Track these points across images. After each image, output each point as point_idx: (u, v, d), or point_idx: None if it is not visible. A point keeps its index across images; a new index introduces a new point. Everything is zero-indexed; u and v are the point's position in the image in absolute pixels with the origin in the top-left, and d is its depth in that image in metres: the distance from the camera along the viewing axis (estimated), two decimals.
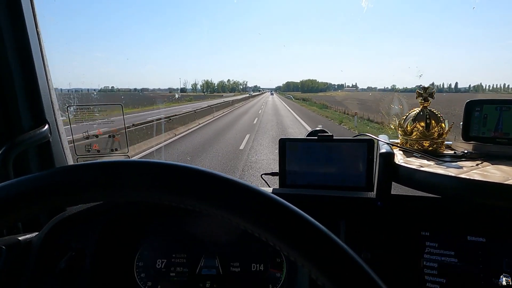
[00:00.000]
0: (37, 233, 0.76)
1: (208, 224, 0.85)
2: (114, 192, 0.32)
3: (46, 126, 0.84)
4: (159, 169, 0.31)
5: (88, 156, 0.97)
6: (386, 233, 0.73)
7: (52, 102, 0.89)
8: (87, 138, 0.95)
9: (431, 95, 0.87)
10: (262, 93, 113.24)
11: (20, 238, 0.72)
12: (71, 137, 0.94)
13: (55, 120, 0.90)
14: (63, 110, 0.94)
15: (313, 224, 0.29)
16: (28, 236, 0.74)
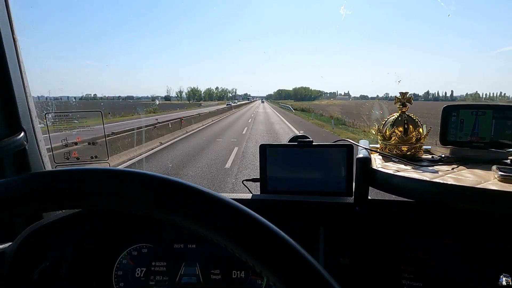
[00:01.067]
0: (10, 243, 0.74)
1: (188, 232, 0.84)
2: (76, 200, 0.31)
3: (22, 134, 0.82)
4: (124, 177, 0.31)
5: (67, 163, 0.95)
6: (364, 238, 0.73)
7: (29, 109, 0.87)
8: (66, 145, 0.93)
9: (409, 100, 0.88)
10: (251, 102, 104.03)
11: None
12: (49, 144, 0.92)
13: (33, 127, 0.88)
14: (41, 118, 0.93)
15: (260, 222, 0.29)
16: (0, 246, 0.72)
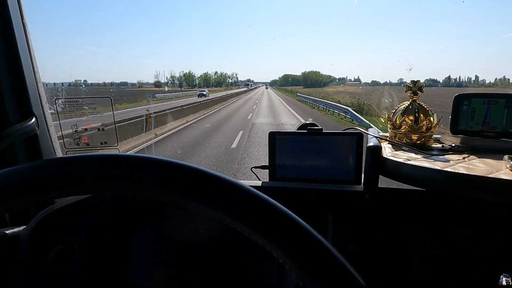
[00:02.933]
0: (24, 226, 0.75)
1: (200, 215, 0.85)
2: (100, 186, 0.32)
3: (33, 119, 0.83)
4: (142, 162, 0.31)
5: (78, 149, 0.96)
6: (373, 226, 0.74)
7: (39, 95, 0.88)
8: (76, 131, 0.94)
9: (420, 88, 0.87)
10: (250, 89, 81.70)
11: (7, 232, 0.72)
12: (60, 130, 0.93)
13: (43, 113, 0.89)
14: (51, 103, 0.93)
15: (290, 216, 0.29)
16: (15, 229, 0.74)
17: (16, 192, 0.30)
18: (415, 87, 0.87)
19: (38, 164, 0.32)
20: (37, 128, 0.84)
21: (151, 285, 0.83)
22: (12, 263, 0.70)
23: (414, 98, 0.87)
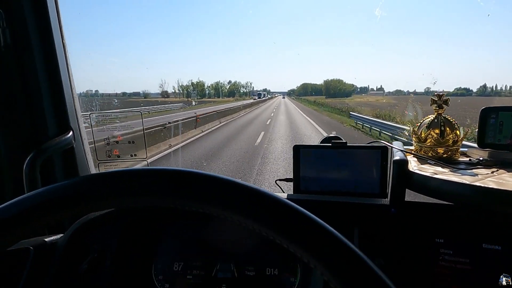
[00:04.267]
0: (61, 235, 0.79)
1: (223, 230, 0.87)
2: (141, 199, 0.34)
3: (71, 133, 0.88)
4: (179, 176, 0.33)
5: (109, 161, 1.01)
6: (400, 240, 0.73)
7: (75, 110, 0.93)
8: (108, 144, 0.99)
9: (446, 102, 0.87)
10: (260, 100, 61.80)
11: (46, 240, 0.76)
12: (93, 143, 0.97)
13: (78, 127, 0.94)
14: (85, 117, 0.99)
15: (325, 228, 0.31)
16: (53, 237, 0.78)
17: (61, 206, 0.33)
18: (440, 101, 0.87)
19: (76, 181, 0.35)
20: (73, 141, 0.89)
21: None
22: (49, 269, 0.74)
23: (439, 112, 0.87)
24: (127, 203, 0.35)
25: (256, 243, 0.85)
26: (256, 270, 0.83)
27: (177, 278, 0.85)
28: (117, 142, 1.00)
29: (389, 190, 0.82)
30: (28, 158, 0.78)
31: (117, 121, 0.98)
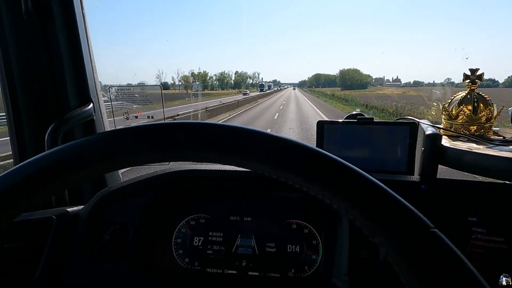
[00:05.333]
0: (83, 206, 0.79)
1: (244, 205, 0.85)
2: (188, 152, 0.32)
3: (91, 105, 0.87)
4: (222, 131, 0.31)
5: None
6: (430, 217, 0.71)
7: (95, 83, 0.92)
8: (127, 118, 0.98)
9: (480, 77, 0.83)
10: (270, 93, 60.34)
11: (68, 210, 0.76)
12: (112, 117, 0.96)
13: (98, 99, 0.93)
14: (104, 91, 0.97)
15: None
16: (75, 208, 0.78)
17: (91, 161, 0.31)
18: (474, 76, 0.83)
19: (108, 133, 0.32)
20: (94, 113, 0.88)
21: (195, 268, 0.84)
22: (72, 240, 0.74)
23: (472, 87, 0.83)
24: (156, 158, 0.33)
25: (277, 219, 0.84)
26: (277, 247, 0.82)
27: (197, 253, 0.85)
28: (136, 117, 0.98)
29: (418, 167, 0.79)
30: (50, 128, 0.78)
31: (136, 95, 0.97)
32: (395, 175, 0.81)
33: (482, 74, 0.83)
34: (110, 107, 0.95)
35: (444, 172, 0.74)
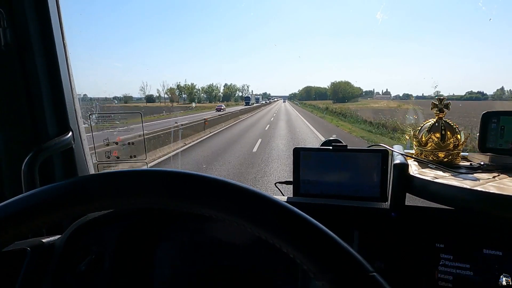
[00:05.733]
0: (59, 236, 0.79)
1: (224, 228, 0.86)
2: (137, 199, 0.34)
3: (70, 133, 0.88)
4: (181, 178, 0.33)
5: (108, 162, 1.00)
6: (400, 244, 0.73)
7: (75, 110, 0.93)
8: (108, 145, 0.99)
9: (447, 106, 0.87)
10: (260, 106, 54.10)
11: (43, 241, 0.75)
12: (92, 144, 0.97)
13: (78, 127, 0.94)
14: (85, 118, 0.98)
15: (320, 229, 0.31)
16: (51, 238, 0.77)
17: (59, 206, 0.33)
18: (441, 104, 0.87)
19: (75, 180, 0.34)
20: (73, 142, 0.88)
21: None
22: (46, 270, 0.73)
23: (440, 116, 0.87)
24: (125, 203, 0.35)
25: (258, 243, 0.84)
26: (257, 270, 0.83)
27: (177, 278, 0.85)
28: (116, 143, 0.99)
29: (389, 194, 0.82)
30: (27, 157, 0.78)
31: (117, 122, 0.98)
32: (369, 202, 0.83)
33: (448, 103, 0.87)
34: (91, 134, 0.96)
35: (416, 198, 0.76)
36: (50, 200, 0.32)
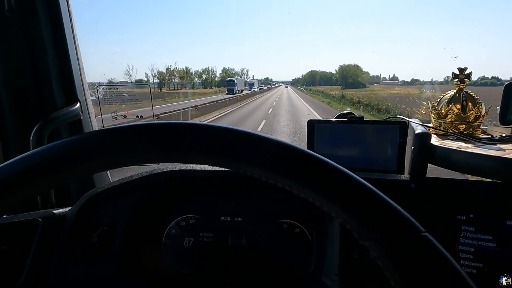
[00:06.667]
0: (70, 208, 0.78)
1: (235, 205, 0.85)
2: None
3: (78, 104, 0.85)
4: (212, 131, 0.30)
5: None
6: (420, 216, 0.71)
7: (82, 81, 0.90)
8: (116, 118, 0.96)
9: (468, 76, 0.83)
10: (259, 93, 49.90)
11: (54, 212, 0.74)
12: (100, 116, 0.95)
13: (85, 99, 0.91)
14: (92, 90, 0.96)
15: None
16: (62, 210, 0.76)
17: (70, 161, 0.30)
18: (462, 75, 0.84)
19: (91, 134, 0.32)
20: (81, 113, 0.86)
21: (184, 270, 0.83)
22: (58, 242, 0.72)
23: (461, 86, 0.84)
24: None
25: (269, 219, 0.83)
26: (268, 247, 0.82)
27: (187, 253, 0.84)
28: (125, 116, 0.97)
29: (406, 167, 0.79)
30: (35, 128, 0.76)
31: (125, 94, 0.95)
32: (385, 174, 0.81)
33: (470, 73, 0.83)
34: (98, 106, 0.94)
35: (434, 171, 0.74)
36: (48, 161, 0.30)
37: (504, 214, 0.67)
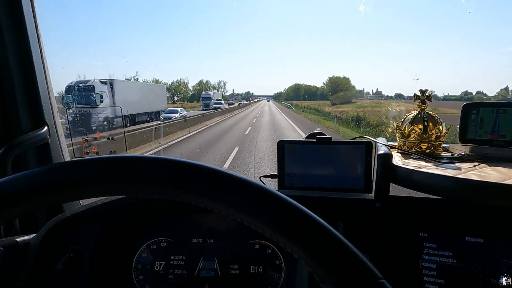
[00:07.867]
0: (34, 234, 0.75)
1: (206, 226, 0.85)
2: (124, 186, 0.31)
3: (45, 128, 0.84)
4: (166, 165, 0.31)
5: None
6: (384, 234, 0.73)
7: (51, 104, 0.89)
8: (86, 140, 0.95)
9: (429, 98, 0.88)
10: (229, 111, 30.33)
11: (17, 240, 0.72)
12: (69, 139, 0.93)
13: (54, 122, 0.90)
14: (62, 113, 0.94)
15: (312, 218, 0.30)
16: (25, 237, 0.74)
17: (28, 195, 0.30)
18: (423, 96, 0.88)
19: (49, 167, 0.32)
20: (48, 137, 0.85)
21: None
22: (21, 271, 0.70)
23: (422, 107, 0.88)
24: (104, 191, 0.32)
25: (240, 240, 0.83)
26: (240, 268, 0.82)
27: (158, 278, 0.82)
28: (95, 138, 0.96)
29: (373, 185, 0.82)
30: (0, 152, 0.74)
31: (95, 117, 0.95)
32: (354, 193, 0.83)
33: (430, 95, 0.88)
34: (68, 129, 0.93)
35: (402, 189, 0.76)
36: (23, 188, 0.30)
37: (463, 231, 0.70)
